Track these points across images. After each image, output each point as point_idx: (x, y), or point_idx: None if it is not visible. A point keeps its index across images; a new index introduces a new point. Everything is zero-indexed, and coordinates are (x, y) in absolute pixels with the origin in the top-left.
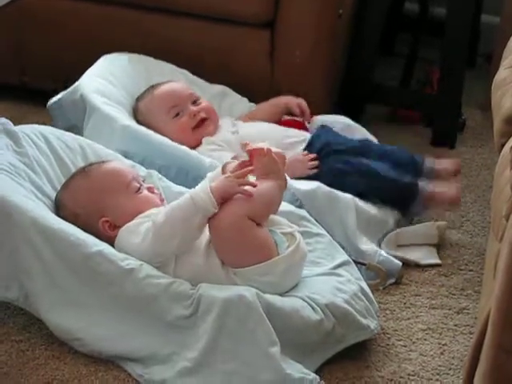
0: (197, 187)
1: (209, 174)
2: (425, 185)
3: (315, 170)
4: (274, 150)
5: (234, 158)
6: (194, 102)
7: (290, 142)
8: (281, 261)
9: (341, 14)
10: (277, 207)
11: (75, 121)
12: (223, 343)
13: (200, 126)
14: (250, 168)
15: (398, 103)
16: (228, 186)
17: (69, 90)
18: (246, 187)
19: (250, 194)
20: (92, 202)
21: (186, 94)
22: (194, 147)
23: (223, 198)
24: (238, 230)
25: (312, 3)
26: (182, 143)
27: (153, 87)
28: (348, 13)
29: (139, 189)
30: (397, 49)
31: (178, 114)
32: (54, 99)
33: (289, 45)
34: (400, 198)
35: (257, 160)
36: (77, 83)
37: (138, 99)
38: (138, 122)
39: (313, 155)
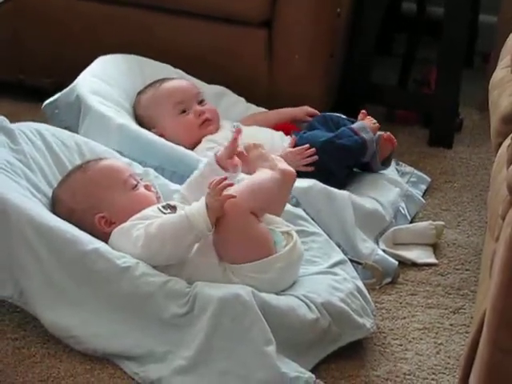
0: (193, 205)
1: (200, 165)
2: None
3: (310, 168)
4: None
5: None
6: (200, 102)
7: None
8: (279, 259)
9: (339, 14)
10: (278, 204)
11: (70, 122)
12: (219, 342)
13: (203, 126)
14: (228, 182)
15: (396, 103)
16: (216, 206)
17: (64, 90)
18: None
19: (234, 196)
20: (89, 198)
21: (193, 93)
22: (193, 146)
23: (215, 217)
24: (240, 224)
25: (310, 2)
26: (182, 140)
27: (157, 82)
28: (346, 12)
29: (136, 186)
30: (394, 49)
31: (183, 111)
32: (50, 100)
33: (287, 44)
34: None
35: (250, 152)
36: (73, 84)
37: (140, 93)
38: (138, 117)
39: (309, 149)
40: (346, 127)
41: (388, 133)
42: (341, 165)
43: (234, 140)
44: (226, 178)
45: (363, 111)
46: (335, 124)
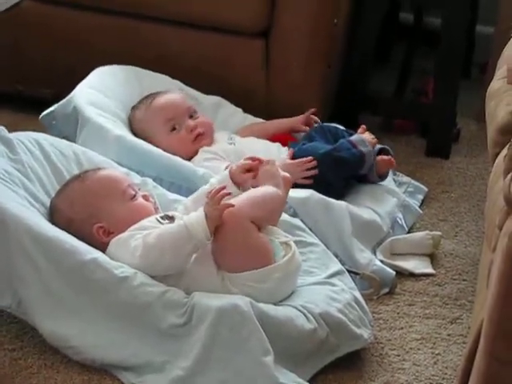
0: (191, 215)
1: (212, 180)
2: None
3: (309, 181)
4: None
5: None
6: (192, 116)
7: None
8: (277, 268)
9: (336, 23)
10: (277, 216)
11: (68, 133)
12: (217, 352)
13: (196, 140)
14: (227, 192)
15: (393, 113)
16: (215, 215)
17: (61, 102)
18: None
19: (232, 205)
20: (87, 207)
21: (184, 108)
22: (189, 158)
23: (214, 226)
24: (240, 231)
25: (307, 12)
26: (177, 155)
27: (149, 97)
28: (343, 22)
29: (134, 196)
30: (392, 58)
31: (174, 128)
32: (47, 111)
33: (284, 54)
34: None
35: (261, 167)
36: (70, 95)
37: (134, 108)
38: (133, 131)
39: (310, 162)
40: (344, 140)
41: (389, 156)
42: (338, 176)
43: (258, 160)
44: (224, 188)
45: (363, 126)
46: (333, 135)
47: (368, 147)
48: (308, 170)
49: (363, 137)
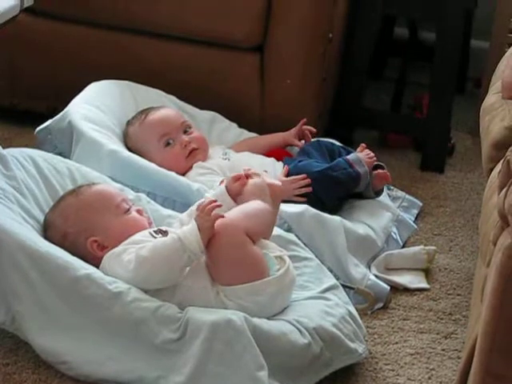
0: (184, 228)
1: (207, 195)
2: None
3: (302, 199)
4: (269, 180)
5: (222, 182)
6: (186, 131)
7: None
8: (272, 282)
9: (331, 39)
10: (269, 230)
11: (62, 149)
12: (211, 367)
13: (190, 156)
14: (218, 204)
15: (388, 127)
16: (207, 226)
17: (57, 117)
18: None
19: (222, 216)
20: (81, 221)
21: (178, 123)
22: (183, 174)
23: (207, 238)
24: (235, 244)
25: (302, 27)
26: (171, 171)
27: (143, 112)
28: (338, 37)
29: (128, 210)
30: (386, 73)
31: (168, 143)
32: (42, 126)
33: (279, 69)
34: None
35: (251, 180)
36: (65, 110)
37: (129, 124)
38: (128, 146)
39: (304, 180)
40: (342, 158)
41: (385, 170)
42: (332, 196)
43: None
44: (215, 200)
45: (363, 144)
46: (329, 151)
47: (365, 167)
48: (301, 187)
49: (360, 156)
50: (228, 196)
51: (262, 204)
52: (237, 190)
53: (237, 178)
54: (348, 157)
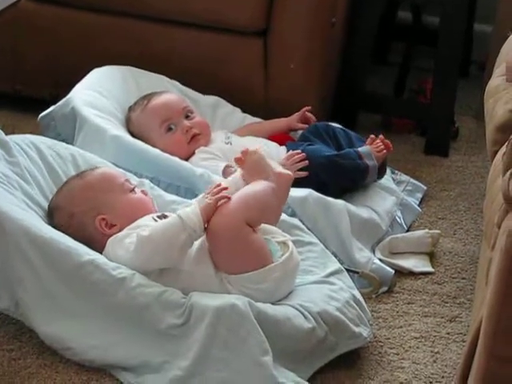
0: (186, 208)
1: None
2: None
3: (303, 174)
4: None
5: (227, 166)
6: (188, 117)
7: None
8: (275, 268)
9: (334, 23)
10: (274, 213)
11: (65, 135)
12: (215, 352)
13: (192, 141)
14: (224, 186)
15: (392, 112)
16: (209, 203)
17: (59, 103)
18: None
19: (228, 197)
20: (88, 201)
21: (179, 108)
22: (186, 159)
23: (208, 217)
24: (236, 235)
25: (305, 12)
26: (174, 155)
27: (145, 98)
28: (341, 21)
29: (133, 189)
30: (390, 58)
31: (170, 129)
32: (45, 112)
33: (282, 53)
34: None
35: (248, 158)
36: (68, 96)
37: (131, 109)
38: (130, 132)
39: (301, 155)
40: (353, 149)
41: (381, 136)
42: (337, 184)
43: (222, 187)
44: (225, 188)
45: (372, 136)
46: (327, 133)
47: (374, 161)
48: (298, 162)
49: (371, 150)
50: (243, 183)
51: (262, 185)
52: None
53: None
54: (359, 149)
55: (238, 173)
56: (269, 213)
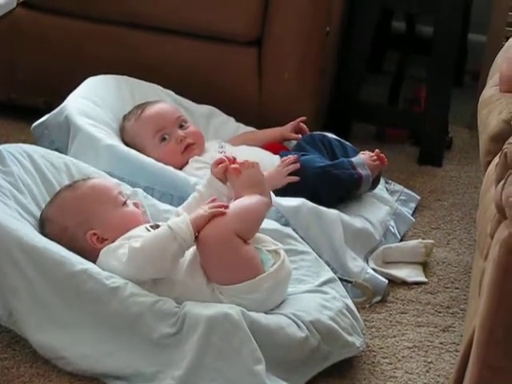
0: (175, 219)
1: (198, 187)
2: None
3: (295, 178)
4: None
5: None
6: (182, 126)
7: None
8: (267, 278)
9: (328, 32)
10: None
11: (59, 143)
12: (208, 361)
13: (186, 151)
14: (223, 203)
15: (386, 121)
16: (200, 213)
17: (53, 112)
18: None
19: (223, 213)
20: (80, 214)
21: (173, 118)
22: (180, 168)
23: (199, 228)
24: (225, 246)
25: (299, 21)
26: (168, 165)
27: (139, 107)
28: (336, 30)
29: (125, 202)
30: (384, 67)
31: (164, 139)
32: (39, 121)
33: (276, 63)
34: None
35: (244, 170)
36: (62, 105)
37: (125, 119)
38: (125, 141)
39: (291, 158)
40: (346, 159)
41: (377, 151)
42: (331, 194)
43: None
44: (223, 205)
45: (367, 152)
46: (323, 144)
47: (367, 171)
48: (289, 165)
49: (364, 160)
50: (216, 180)
51: (256, 199)
52: (220, 173)
53: (218, 163)
54: (352, 159)
55: (208, 174)
56: (258, 226)
